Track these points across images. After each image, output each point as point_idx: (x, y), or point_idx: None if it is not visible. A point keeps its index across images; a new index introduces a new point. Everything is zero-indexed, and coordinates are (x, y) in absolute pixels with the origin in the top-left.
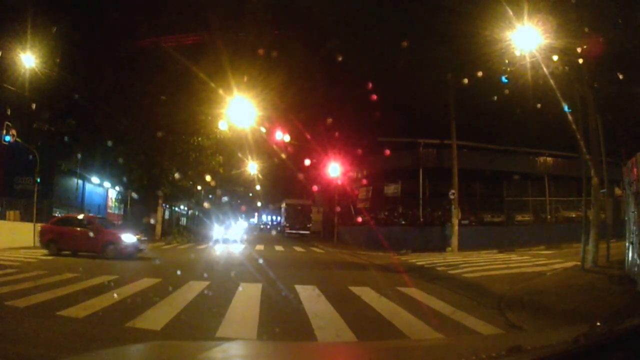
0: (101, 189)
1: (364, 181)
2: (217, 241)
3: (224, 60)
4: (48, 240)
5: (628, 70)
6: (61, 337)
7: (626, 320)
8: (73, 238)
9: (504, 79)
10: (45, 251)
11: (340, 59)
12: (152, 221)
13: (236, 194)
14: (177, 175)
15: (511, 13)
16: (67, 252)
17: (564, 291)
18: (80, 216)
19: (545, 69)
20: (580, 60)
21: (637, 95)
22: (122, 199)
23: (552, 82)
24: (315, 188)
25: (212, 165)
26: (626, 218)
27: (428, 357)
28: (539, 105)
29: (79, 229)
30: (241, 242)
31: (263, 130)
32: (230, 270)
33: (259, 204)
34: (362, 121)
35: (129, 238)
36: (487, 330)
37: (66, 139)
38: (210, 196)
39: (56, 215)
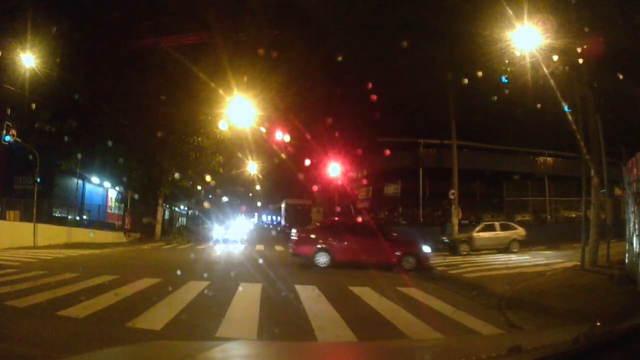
0: (101, 189)
1: (364, 181)
2: (217, 241)
3: (224, 60)
4: (319, 249)
5: (628, 70)
6: (61, 337)
7: (626, 320)
8: (360, 248)
9: (503, 79)
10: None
11: (340, 59)
12: (143, 222)
13: (236, 194)
14: (177, 175)
15: (511, 13)
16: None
17: (564, 291)
18: (349, 220)
19: (545, 69)
20: (580, 60)
21: (637, 95)
22: (122, 199)
23: (552, 82)
24: (315, 188)
25: (212, 165)
26: (626, 218)
27: (428, 357)
28: (539, 105)
29: (362, 237)
30: (241, 242)
31: (263, 130)
32: (230, 270)
33: (259, 204)
34: (362, 121)
35: (427, 248)
36: (487, 330)
37: (66, 139)
38: (210, 196)
39: (55, 215)
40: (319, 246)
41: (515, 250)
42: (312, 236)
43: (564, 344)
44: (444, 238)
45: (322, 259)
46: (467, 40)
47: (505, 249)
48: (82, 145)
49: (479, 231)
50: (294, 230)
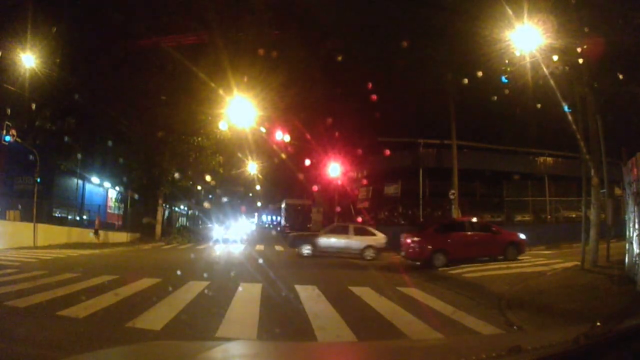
0: (101, 189)
1: (364, 181)
2: (217, 241)
3: (224, 60)
4: (436, 250)
5: (628, 70)
6: (61, 337)
7: (626, 320)
8: (471, 244)
9: (504, 79)
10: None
11: (340, 59)
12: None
13: (236, 194)
14: (177, 175)
15: (511, 13)
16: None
17: (564, 291)
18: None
19: (545, 69)
20: (580, 60)
21: (637, 95)
22: (122, 199)
23: (552, 82)
24: (315, 188)
25: (212, 165)
26: (626, 218)
27: (428, 357)
28: (539, 105)
29: (475, 233)
30: (241, 242)
31: (263, 130)
32: (230, 270)
33: (259, 204)
34: (362, 121)
35: (522, 235)
36: (487, 330)
37: (66, 139)
38: (210, 196)
39: (55, 215)
40: (435, 248)
41: (370, 258)
42: (428, 239)
43: (564, 344)
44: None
45: (440, 260)
46: (467, 40)
47: (359, 255)
48: (82, 145)
49: (327, 232)
50: (405, 236)
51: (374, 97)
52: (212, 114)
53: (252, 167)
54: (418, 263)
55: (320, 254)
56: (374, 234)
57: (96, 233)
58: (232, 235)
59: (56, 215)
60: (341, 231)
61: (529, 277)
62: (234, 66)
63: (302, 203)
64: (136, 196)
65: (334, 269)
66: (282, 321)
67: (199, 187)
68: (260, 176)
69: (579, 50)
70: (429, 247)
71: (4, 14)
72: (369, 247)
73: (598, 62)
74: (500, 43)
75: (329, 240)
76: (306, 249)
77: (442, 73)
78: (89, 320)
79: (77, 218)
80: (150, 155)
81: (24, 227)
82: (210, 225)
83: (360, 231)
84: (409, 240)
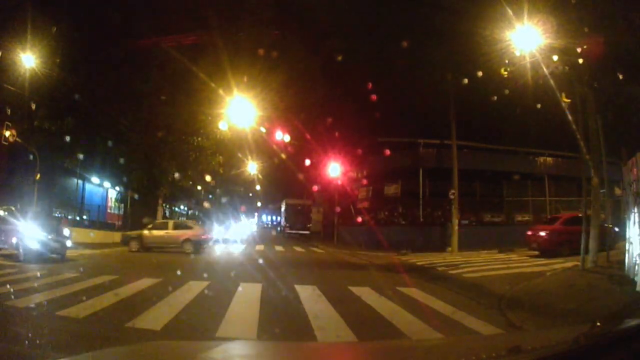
0: (101, 189)
1: (364, 181)
2: (217, 241)
3: (224, 60)
4: (562, 242)
5: (628, 70)
6: (61, 337)
7: (626, 320)
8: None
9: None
10: None
11: (340, 59)
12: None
13: (236, 194)
14: (177, 175)
15: (511, 13)
16: None
17: (564, 291)
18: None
19: (545, 69)
20: (580, 60)
21: (637, 95)
22: (122, 199)
23: (552, 82)
24: (315, 188)
25: (212, 165)
26: (626, 218)
27: (428, 357)
28: (539, 106)
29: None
30: (241, 242)
31: (263, 130)
32: (230, 270)
33: (259, 204)
34: (362, 121)
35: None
36: (487, 330)
37: (68, 139)
38: (210, 196)
39: (55, 215)
40: (562, 240)
41: (189, 251)
42: (557, 232)
43: (564, 344)
44: (128, 234)
45: (565, 250)
46: (467, 40)
47: (180, 248)
48: (82, 145)
49: (150, 229)
50: (534, 230)
51: (374, 97)
52: (212, 114)
53: (252, 167)
54: (537, 252)
55: (147, 248)
56: (191, 228)
57: None
58: (232, 236)
59: (56, 215)
60: (162, 226)
61: (529, 277)
62: (234, 66)
63: (302, 203)
64: (136, 196)
65: (334, 269)
66: (282, 321)
67: (199, 187)
68: (260, 176)
69: (579, 50)
70: (558, 239)
71: (4, 14)
72: (186, 240)
73: (598, 62)
74: (500, 43)
75: (152, 235)
76: (134, 245)
77: (442, 73)
78: (89, 320)
79: (77, 218)
80: (150, 155)
81: None
82: (210, 226)
83: (178, 226)
84: (542, 233)
